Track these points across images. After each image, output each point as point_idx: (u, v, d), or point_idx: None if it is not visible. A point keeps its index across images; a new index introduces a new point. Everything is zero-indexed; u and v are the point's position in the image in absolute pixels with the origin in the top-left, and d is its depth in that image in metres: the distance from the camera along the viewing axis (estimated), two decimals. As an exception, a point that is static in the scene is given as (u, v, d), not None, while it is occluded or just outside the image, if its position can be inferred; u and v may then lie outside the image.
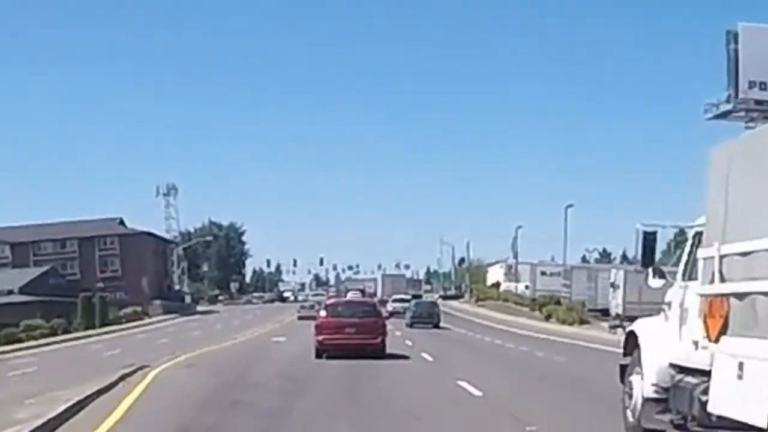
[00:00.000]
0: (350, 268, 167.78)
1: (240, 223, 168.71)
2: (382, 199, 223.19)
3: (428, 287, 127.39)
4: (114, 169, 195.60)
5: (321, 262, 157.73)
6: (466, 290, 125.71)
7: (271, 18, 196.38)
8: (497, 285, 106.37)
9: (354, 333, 28.45)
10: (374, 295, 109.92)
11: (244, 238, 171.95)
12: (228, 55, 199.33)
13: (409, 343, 40.02)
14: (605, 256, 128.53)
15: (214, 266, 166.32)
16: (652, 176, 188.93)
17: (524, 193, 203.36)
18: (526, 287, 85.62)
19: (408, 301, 76.48)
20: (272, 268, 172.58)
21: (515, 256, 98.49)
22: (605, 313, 63.30)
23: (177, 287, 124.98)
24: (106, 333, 65.85)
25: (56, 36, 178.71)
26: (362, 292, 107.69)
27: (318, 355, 28.27)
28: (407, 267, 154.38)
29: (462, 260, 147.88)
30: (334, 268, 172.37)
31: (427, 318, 61.24)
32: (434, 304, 69.06)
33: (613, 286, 52.19)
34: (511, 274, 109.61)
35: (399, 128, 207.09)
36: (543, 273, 75.87)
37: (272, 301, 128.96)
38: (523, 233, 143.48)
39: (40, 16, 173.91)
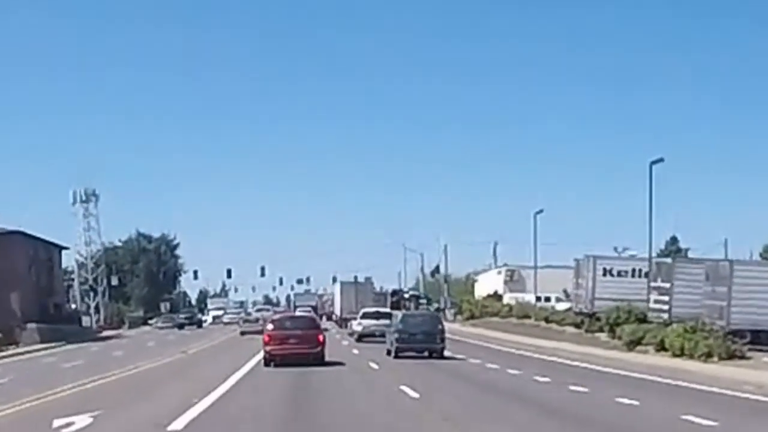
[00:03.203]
0: (299, 281, 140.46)
1: (172, 234, 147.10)
2: (334, 205, 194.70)
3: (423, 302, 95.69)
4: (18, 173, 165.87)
5: (262, 273, 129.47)
6: (446, 305, 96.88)
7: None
8: (498, 297, 79.07)
9: (296, 343, 32.29)
10: (331, 312, 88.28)
11: (177, 252, 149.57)
12: (154, 43, 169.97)
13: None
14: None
15: (143, 283, 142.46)
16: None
17: (498, 197, 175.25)
18: (564, 296, 59.70)
19: (387, 316, 50.61)
20: (199, 279, 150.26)
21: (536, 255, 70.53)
22: (741, 335, 36.01)
23: (73, 306, 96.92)
24: None
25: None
26: (314, 309, 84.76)
27: (266, 364, 32.09)
28: (367, 279, 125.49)
29: (436, 269, 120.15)
30: (281, 282, 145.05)
31: (425, 341, 38.62)
32: (436, 319, 42.73)
33: None
34: (513, 282, 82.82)
35: (350, 120, 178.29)
36: (607, 272, 47.60)
37: (180, 326, 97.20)
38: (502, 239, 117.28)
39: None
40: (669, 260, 42.05)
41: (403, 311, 50.55)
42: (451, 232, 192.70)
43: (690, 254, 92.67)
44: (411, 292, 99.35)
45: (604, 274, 47.69)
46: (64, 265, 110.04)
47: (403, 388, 23.50)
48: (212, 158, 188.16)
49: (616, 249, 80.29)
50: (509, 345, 49.00)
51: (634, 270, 47.13)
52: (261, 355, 34.66)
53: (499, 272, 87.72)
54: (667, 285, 40.77)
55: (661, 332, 37.05)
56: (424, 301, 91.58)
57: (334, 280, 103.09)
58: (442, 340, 39.06)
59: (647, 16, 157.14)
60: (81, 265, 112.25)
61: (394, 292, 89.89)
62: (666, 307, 40.60)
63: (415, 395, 21.93)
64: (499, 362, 35.01)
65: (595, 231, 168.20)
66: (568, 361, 36.36)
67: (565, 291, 73.77)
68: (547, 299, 68.92)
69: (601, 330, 44.82)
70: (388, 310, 57.14)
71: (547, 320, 55.79)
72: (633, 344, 39.16)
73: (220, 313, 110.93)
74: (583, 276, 49.38)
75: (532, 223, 65.40)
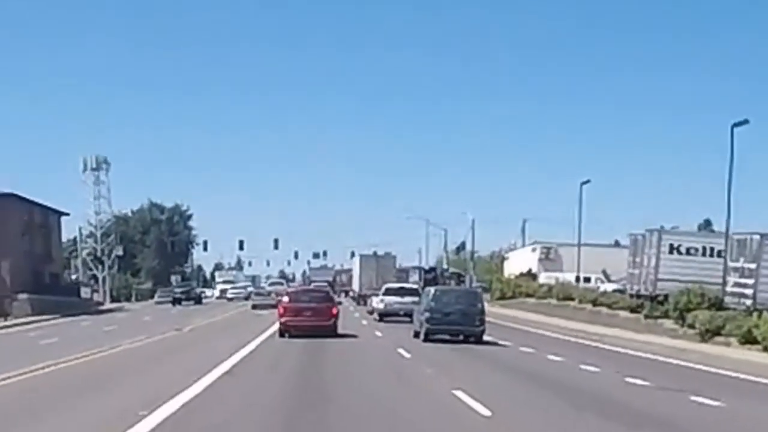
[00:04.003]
0: (316, 256, 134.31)
1: (185, 204, 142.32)
2: (352, 179, 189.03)
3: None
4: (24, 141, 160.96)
5: (276, 245, 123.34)
6: (472, 284, 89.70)
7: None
8: (532, 276, 72.55)
9: (310, 316, 33.65)
10: (349, 288, 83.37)
11: (191, 223, 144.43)
12: (167, 15, 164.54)
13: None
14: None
15: (154, 255, 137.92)
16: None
17: (523, 175, 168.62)
18: (604, 277, 52.66)
19: (413, 293, 44.52)
20: (210, 251, 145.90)
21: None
22: None
23: (74, 276, 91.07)
24: None
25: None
26: (331, 284, 79.36)
27: (281, 335, 33.25)
28: (388, 254, 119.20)
29: (461, 246, 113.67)
30: (296, 256, 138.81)
31: (462, 323, 33.11)
32: (475, 296, 35.99)
33: None
34: (549, 260, 76.27)
35: (370, 90, 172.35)
36: (674, 249, 40.44)
37: (176, 300, 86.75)
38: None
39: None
40: (756, 236, 34.91)
41: (436, 286, 43.71)
42: (474, 210, 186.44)
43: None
44: (452, 269, 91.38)
45: (671, 252, 40.42)
46: (71, 234, 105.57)
47: (461, 395, 16.33)
48: (228, 129, 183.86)
49: (662, 228, 73.64)
50: (557, 330, 42.33)
51: (705, 248, 40.09)
52: (260, 340, 33.42)
53: (534, 249, 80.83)
54: (753, 266, 33.72)
55: (747, 321, 30.39)
56: (465, 279, 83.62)
57: (353, 254, 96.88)
58: (482, 322, 33.20)
59: None
60: (90, 235, 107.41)
61: (431, 269, 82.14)
62: (749, 291, 33.56)
63: (485, 412, 14.55)
64: (561, 353, 28.07)
65: (629, 210, 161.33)
66: (642, 354, 29.53)
67: (604, 271, 67.31)
68: (587, 279, 62.32)
69: (665, 316, 38.00)
70: (414, 286, 50.86)
71: (594, 303, 48.92)
72: (709, 334, 32.48)
73: (227, 287, 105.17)
74: (642, 253, 42.27)
75: (578, 194, 58.03)
